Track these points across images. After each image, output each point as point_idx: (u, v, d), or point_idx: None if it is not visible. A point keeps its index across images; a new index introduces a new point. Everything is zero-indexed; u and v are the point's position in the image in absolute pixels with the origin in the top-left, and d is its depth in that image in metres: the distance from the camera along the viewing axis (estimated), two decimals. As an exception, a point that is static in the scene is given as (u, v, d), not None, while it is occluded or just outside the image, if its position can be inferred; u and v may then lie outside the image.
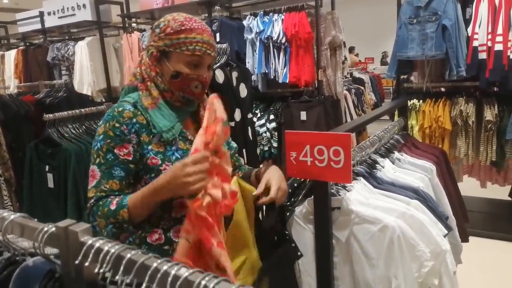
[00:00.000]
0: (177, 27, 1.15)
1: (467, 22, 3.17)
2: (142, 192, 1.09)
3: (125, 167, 1.15)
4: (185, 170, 1.00)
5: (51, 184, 2.39)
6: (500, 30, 2.99)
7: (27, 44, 5.58)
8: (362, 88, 5.53)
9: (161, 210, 1.16)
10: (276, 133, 3.83)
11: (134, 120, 1.16)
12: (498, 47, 2.99)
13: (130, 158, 1.15)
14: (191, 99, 1.22)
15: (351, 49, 8.58)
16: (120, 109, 1.16)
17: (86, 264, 0.62)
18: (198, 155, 1.02)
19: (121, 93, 1.28)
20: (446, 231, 1.56)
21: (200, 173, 1.01)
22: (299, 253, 1.36)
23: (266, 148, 3.86)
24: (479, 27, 3.08)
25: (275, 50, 3.68)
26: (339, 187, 1.51)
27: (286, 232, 1.41)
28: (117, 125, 1.14)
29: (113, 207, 1.08)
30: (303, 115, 3.62)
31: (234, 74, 2.82)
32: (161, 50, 1.18)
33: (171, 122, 1.18)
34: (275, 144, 3.83)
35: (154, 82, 1.19)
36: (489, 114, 3.20)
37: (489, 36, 3.04)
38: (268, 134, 3.85)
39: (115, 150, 1.14)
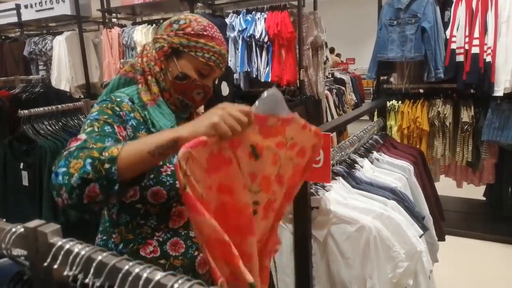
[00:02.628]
0: (199, 30, 1.08)
1: (445, 25, 3.23)
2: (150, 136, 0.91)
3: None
4: (222, 111, 0.82)
5: (25, 182, 2.33)
6: (476, 33, 3.06)
7: (3, 37, 5.41)
8: (343, 88, 5.59)
9: (156, 220, 1.06)
10: (257, 132, 3.83)
11: (132, 115, 1.05)
12: (475, 50, 3.06)
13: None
14: (189, 104, 1.14)
15: (332, 50, 8.64)
16: (118, 99, 1.06)
17: (55, 266, 0.60)
18: (246, 108, 0.84)
19: (110, 84, 1.16)
20: (422, 232, 1.59)
21: (236, 122, 0.82)
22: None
23: (247, 147, 3.86)
24: (457, 30, 3.14)
25: (257, 48, 3.68)
26: (318, 187, 1.51)
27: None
28: (116, 108, 1.03)
29: (105, 145, 0.89)
30: (285, 114, 3.63)
31: (216, 72, 2.80)
32: (174, 47, 1.08)
33: (171, 122, 1.09)
34: (256, 143, 3.83)
35: (155, 77, 1.11)
36: (466, 115, 3.28)
37: (466, 39, 3.11)
38: (249, 132, 3.85)
39: (114, 126, 0.99)
